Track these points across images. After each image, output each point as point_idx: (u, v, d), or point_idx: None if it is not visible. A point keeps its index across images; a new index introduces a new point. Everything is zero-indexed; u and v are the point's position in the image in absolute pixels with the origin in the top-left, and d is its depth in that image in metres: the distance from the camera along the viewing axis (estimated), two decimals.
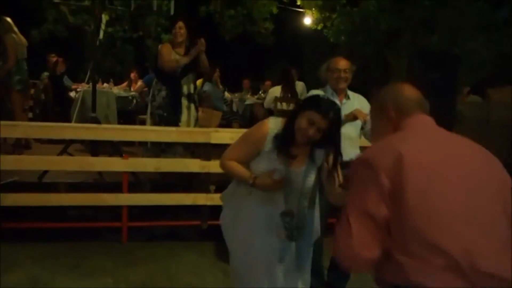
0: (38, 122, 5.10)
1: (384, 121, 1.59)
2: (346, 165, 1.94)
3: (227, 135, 4.43)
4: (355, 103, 3.33)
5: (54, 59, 7.25)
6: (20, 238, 4.03)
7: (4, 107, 5.82)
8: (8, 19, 5.69)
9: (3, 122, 4.14)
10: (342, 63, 3.32)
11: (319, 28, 10.22)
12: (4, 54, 5.65)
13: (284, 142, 2.20)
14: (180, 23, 4.81)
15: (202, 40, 4.77)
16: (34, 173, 4.34)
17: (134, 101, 7.29)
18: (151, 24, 11.14)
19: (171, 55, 4.83)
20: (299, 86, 6.62)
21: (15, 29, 5.75)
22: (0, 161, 3.94)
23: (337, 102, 3.26)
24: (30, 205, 4.03)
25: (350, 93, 3.38)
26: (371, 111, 1.75)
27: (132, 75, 8.65)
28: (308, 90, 7.06)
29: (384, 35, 8.79)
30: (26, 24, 5.96)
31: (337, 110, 2.16)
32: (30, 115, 7.55)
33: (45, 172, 4.31)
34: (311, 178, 2.27)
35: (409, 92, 1.62)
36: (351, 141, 3.29)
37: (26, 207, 4.04)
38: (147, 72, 9.03)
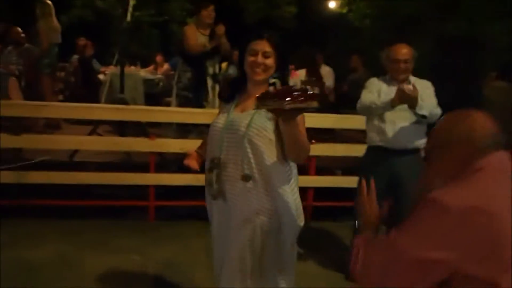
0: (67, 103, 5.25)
1: (452, 159, 1.37)
2: None
3: None
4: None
5: (83, 42, 7.39)
6: (51, 214, 4.18)
7: (35, 90, 5.99)
8: (50, 3, 5.80)
9: (33, 103, 4.29)
10: (402, 53, 3.12)
11: (344, 11, 10.10)
12: (36, 39, 5.80)
13: (233, 83, 2.22)
14: (212, 6, 5.00)
15: (221, 25, 4.92)
16: (64, 153, 4.46)
17: (160, 84, 7.39)
18: (176, 8, 11.26)
19: (196, 37, 4.93)
20: (325, 70, 6.62)
21: (53, 12, 5.86)
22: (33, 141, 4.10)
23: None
24: (60, 183, 4.16)
25: (411, 78, 3.22)
26: (432, 147, 1.47)
27: (158, 58, 8.74)
28: (333, 74, 7.03)
29: (405, 21, 8.63)
30: (55, 10, 6.06)
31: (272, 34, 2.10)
32: (61, 97, 7.75)
33: (75, 151, 4.44)
34: (256, 122, 2.01)
35: (484, 125, 1.37)
36: (411, 128, 3.16)
37: (57, 185, 4.18)
38: (172, 55, 9.10)
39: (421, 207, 1.30)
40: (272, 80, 2.00)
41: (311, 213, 4.62)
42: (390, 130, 3.19)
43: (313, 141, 4.58)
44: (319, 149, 4.56)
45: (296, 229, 2.12)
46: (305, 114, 1.87)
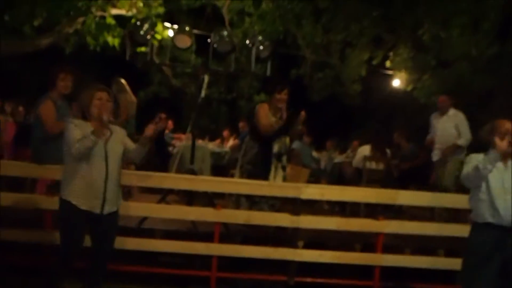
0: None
1: None
2: None
3: (317, 191, 4.46)
4: None
5: (164, 116, 7.72)
6: (118, 279, 4.26)
7: None
8: (122, 80, 6.36)
9: None
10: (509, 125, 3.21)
11: (408, 89, 10.16)
12: (117, 111, 6.29)
13: None
14: (286, 90, 4.93)
15: (303, 113, 4.86)
16: (134, 219, 4.61)
17: (226, 157, 7.64)
18: (245, 86, 11.90)
19: (268, 117, 5.02)
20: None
21: (127, 88, 6.40)
22: None
23: (501, 166, 3.16)
24: (128, 248, 4.27)
25: None
26: None
27: (225, 133, 9.13)
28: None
29: (476, 96, 8.50)
30: (135, 86, 6.62)
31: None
32: (132, 167, 8.14)
33: (144, 218, 4.59)
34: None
35: None
36: None
37: (124, 250, 4.28)
38: (238, 131, 9.44)
39: None
40: None
41: None
42: (501, 204, 3.10)
43: (379, 217, 4.46)
44: (387, 226, 4.42)
45: None
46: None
